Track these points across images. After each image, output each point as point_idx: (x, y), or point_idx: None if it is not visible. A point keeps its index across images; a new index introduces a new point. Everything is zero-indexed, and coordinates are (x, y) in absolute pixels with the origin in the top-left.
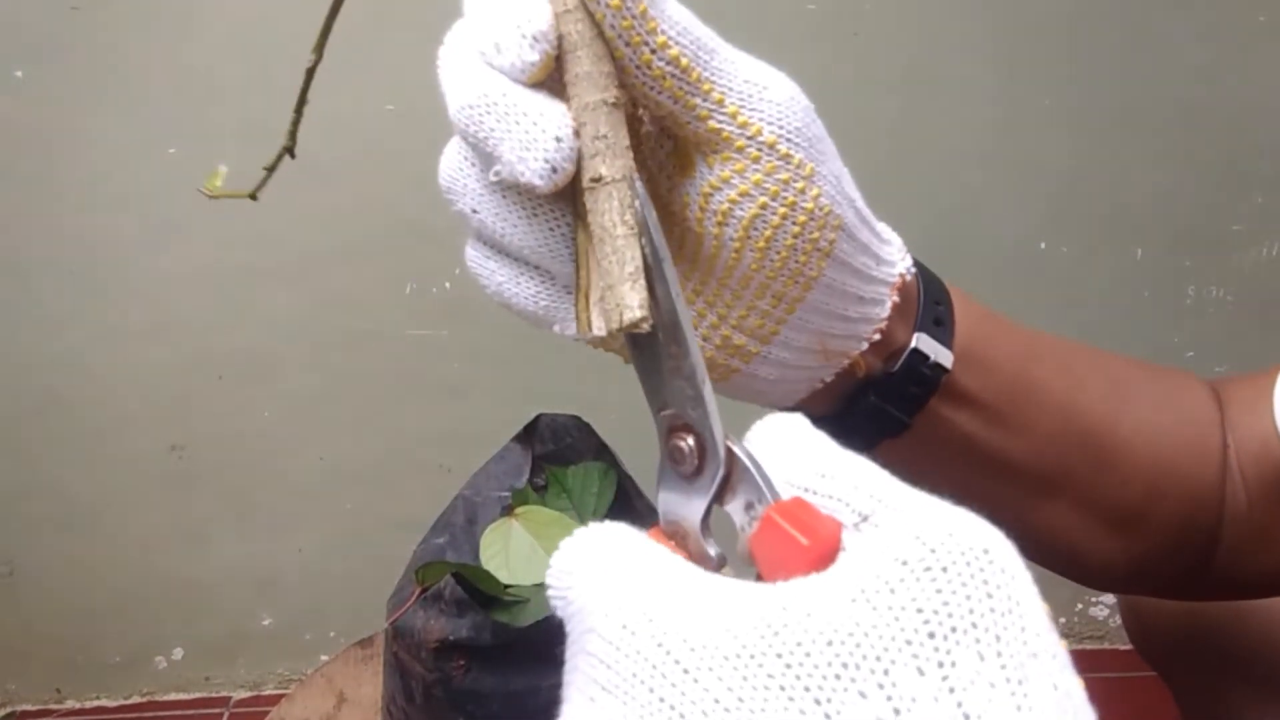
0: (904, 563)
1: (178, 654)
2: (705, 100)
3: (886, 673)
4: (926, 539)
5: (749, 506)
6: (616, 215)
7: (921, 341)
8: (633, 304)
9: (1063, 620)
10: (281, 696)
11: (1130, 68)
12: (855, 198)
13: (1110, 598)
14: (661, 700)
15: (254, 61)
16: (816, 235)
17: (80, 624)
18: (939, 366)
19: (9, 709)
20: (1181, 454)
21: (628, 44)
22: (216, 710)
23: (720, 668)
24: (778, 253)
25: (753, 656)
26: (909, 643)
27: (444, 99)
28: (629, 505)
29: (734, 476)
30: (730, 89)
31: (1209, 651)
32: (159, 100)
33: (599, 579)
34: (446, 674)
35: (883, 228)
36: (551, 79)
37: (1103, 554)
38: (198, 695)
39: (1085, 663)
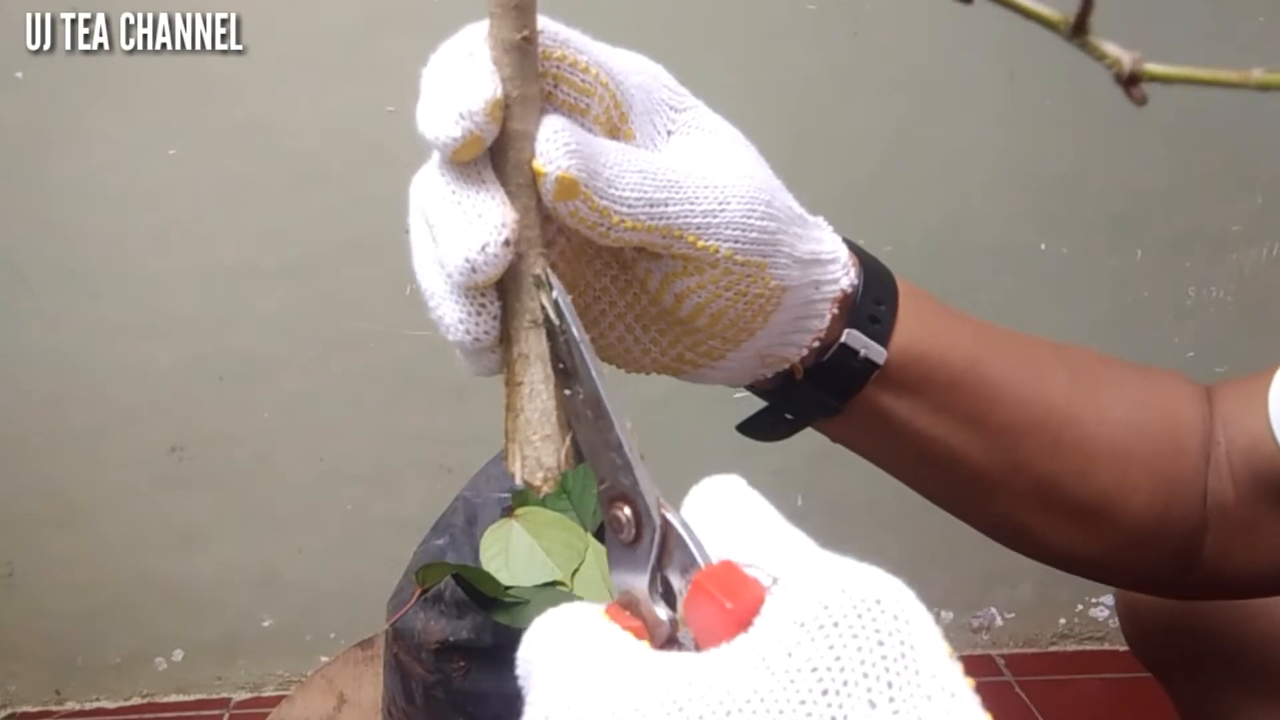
0: (801, 624)
1: (178, 655)
2: (666, 238)
3: None
4: (820, 597)
5: (684, 570)
6: (541, 372)
7: (851, 338)
8: (550, 464)
9: (1063, 621)
10: (281, 698)
11: None
12: (807, 249)
13: (1111, 599)
14: None
15: (254, 62)
16: (764, 304)
17: (80, 624)
18: (869, 361)
19: (9, 710)
20: (1155, 445)
21: (589, 230)
22: (216, 712)
23: None
24: (729, 319)
25: None
26: (803, 703)
27: None
28: None
29: (670, 542)
30: (689, 225)
31: (1204, 652)
32: (159, 100)
33: (541, 669)
34: (447, 675)
35: (829, 246)
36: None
37: (1066, 543)
38: (197, 696)
39: (1085, 663)
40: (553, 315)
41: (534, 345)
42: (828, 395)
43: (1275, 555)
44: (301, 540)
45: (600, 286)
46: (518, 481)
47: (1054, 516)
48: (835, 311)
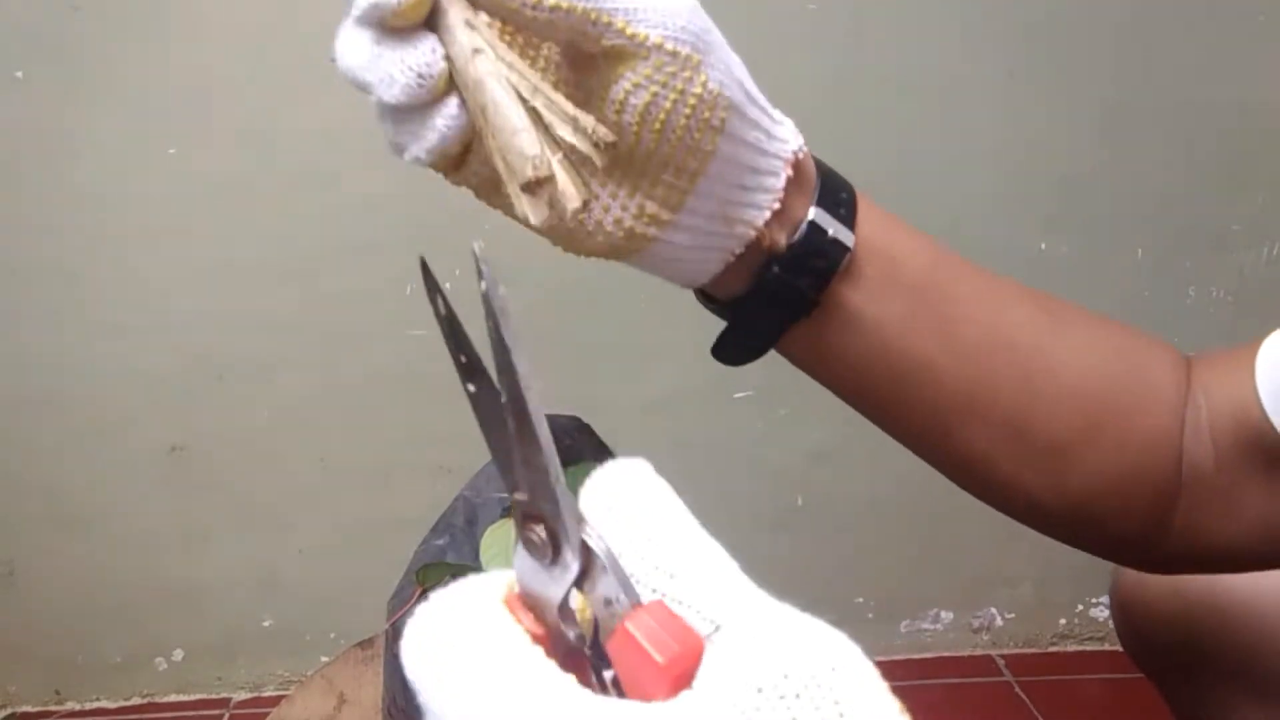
0: (759, 690)
1: (178, 655)
2: (595, 26)
3: None
4: (779, 664)
5: (607, 603)
6: (499, 87)
7: (818, 215)
8: (532, 151)
9: (1063, 621)
10: (282, 698)
11: (1130, 68)
12: (744, 80)
13: None
14: None
15: (254, 62)
16: (708, 115)
17: (80, 624)
18: (839, 243)
19: (9, 710)
20: (1124, 392)
21: (512, 14)
22: (216, 712)
23: None
24: (673, 132)
25: None
26: None
27: None
28: None
29: (591, 571)
30: (616, 9)
31: (1199, 654)
32: (159, 100)
33: (440, 670)
34: None
35: (776, 112)
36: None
37: (1034, 486)
38: (198, 697)
39: (1085, 663)
40: (480, 295)
41: (485, 67)
42: (800, 282)
43: (1257, 526)
44: (302, 540)
45: None
46: (516, 198)
47: (1023, 454)
48: (790, 174)
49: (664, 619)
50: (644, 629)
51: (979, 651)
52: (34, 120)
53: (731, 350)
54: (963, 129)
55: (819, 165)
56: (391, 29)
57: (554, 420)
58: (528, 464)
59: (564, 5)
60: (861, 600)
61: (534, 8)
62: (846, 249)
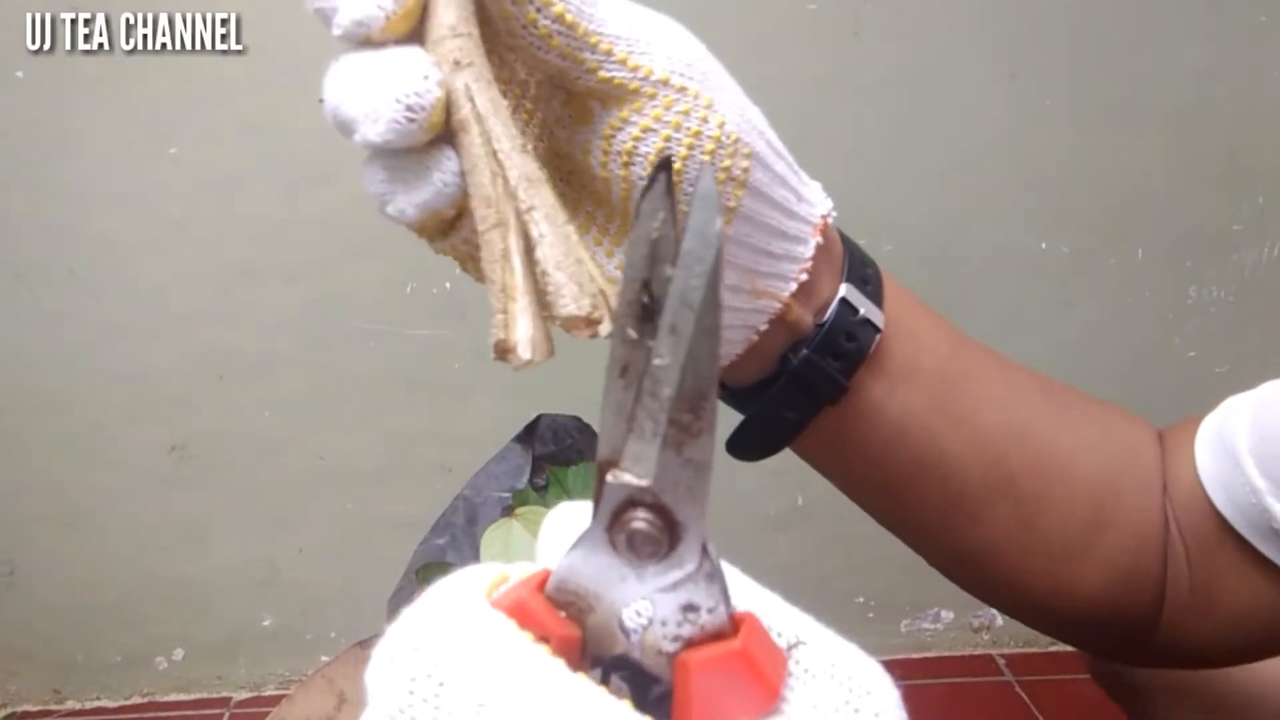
0: (856, 712)
1: (178, 654)
2: (594, 53)
3: None
4: (846, 696)
5: (689, 609)
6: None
7: (849, 292)
8: (522, 339)
9: None
10: (282, 697)
11: (1130, 68)
12: (766, 131)
13: None
14: None
15: (254, 61)
16: (728, 163)
17: (80, 624)
18: (870, 323)
19: (9, 710)
20: (1125, 481)
21: (513, 2)
22: (217, 711)
23: None
24: (690, 185)
25: None
26: None
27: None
28: None
29: (692, 575)
30: (618, 37)
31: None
32: (159, 100)
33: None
34: None
35: (800, 176)
36: None
37: (1040, 582)
38: (198, 696)
39: (1085, 664)
40: (658, 201)
41: (480, 99)
42: (830, 366)
43: (1232, 620)
44: (301, 540)
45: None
46: (561, 315)
47: (1032, 547)
48: (819, 241)
49: (763, 638)
50: (752, 642)
51: (979, 651)
52: (34, 120)
53: (749, 444)
54: (963, 129)
55: (843, 237)
56: (377, 46)
57: (555, 420)
58: (676, 447)
59: (568, 18)
60: (861, 600)
61: (540, 9)
62: (877, 330)
